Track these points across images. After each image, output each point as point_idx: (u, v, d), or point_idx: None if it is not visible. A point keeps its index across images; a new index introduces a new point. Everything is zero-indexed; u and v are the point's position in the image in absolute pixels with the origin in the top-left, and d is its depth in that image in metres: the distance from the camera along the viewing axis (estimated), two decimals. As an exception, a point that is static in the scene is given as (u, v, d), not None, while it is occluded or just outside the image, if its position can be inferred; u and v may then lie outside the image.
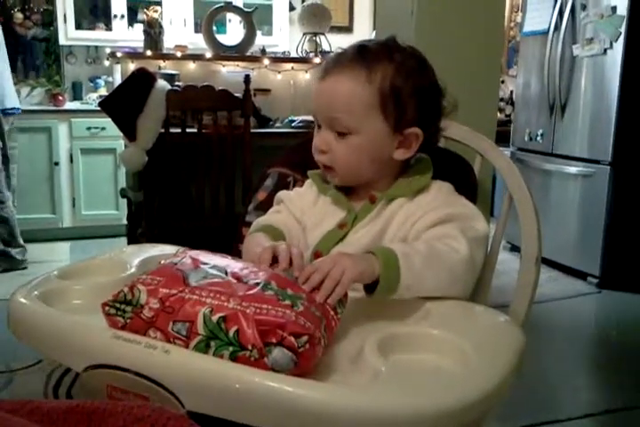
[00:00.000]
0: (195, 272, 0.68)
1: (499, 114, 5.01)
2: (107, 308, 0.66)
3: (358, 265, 0.76)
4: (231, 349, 0.60)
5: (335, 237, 0.93)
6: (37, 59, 4.42)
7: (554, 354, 2.38)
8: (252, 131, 2.77)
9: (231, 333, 0.60)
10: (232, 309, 0.62)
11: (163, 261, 0.72)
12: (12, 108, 3.41)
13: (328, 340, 0.66)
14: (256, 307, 0.62)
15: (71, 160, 3.96)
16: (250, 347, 0.60)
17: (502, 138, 3.91)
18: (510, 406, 1.78)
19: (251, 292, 0.65)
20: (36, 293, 0.75)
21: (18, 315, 0.72)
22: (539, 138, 3.60)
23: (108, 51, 3.83)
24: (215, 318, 0.61)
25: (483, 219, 0.92)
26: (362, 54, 0.91)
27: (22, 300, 0.73)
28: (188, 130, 2.58)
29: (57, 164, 3.93)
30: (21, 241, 3.32)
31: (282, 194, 1.05)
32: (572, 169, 3.34)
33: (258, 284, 0.67)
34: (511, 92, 5.00)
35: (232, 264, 0.72)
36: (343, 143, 0.91)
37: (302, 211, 1.00)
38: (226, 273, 0.69)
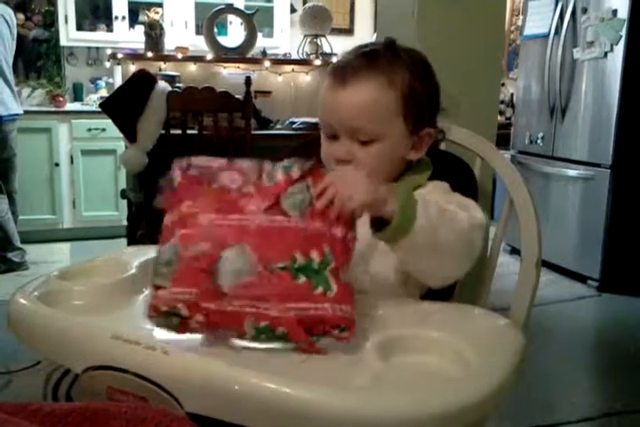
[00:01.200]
0: (220, 265, 0.67)
1: (499, 117, 5.02)
2: (154, 319, 0.67)
3: (374, 192, 0.74)
4: (282, 341, 0.66)
5: None
6: (38, 60, 4.43)
7: (553, 357, 2.38)
8: (253, 132, 2.77)
9: (278, 333, 0.65)
10: (274, 317, 0.65)
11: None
12: (14, 114, 3.41)
13: (349, 259, 0.70)
14: (295, 309, 0.65)
15: (71, 161, 3.96)
16: (299, 342, 0.66)
17: (503, 141, 3.92)
18: (509, 408, 1.78)
19: (284, 286, 0.67)
20: (35, 294, 0.75)
21: (18, 316, 0.72)
22: (539, 141, 3.60)
23: (108, 52, 3.84)
24: (261, 324, 0.65)
25: (480, 210, 0.90)
26: (374, 60, 0.90)
27: (22, 301, 0.73)
28: (188, 131, 2.58)
29: (57, 165, 3.93)
30: (18, 244, 3.30)
31: None
32: (573, 172, 3.34)
33: (286, 268, 0.67)
34: (512, 94, 5.01)
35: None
36: (367, 151, 0.90)
37: None
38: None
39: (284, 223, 0.68)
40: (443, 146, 1.22)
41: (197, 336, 0.67)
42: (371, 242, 0.85)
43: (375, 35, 2.90)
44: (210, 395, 0.59)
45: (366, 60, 0.90)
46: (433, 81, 0.95)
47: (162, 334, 0.67)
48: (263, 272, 0.67)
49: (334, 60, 3.39)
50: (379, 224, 0.76)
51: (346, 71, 0.89)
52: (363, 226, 0.90)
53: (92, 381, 0.64)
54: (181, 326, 0.66)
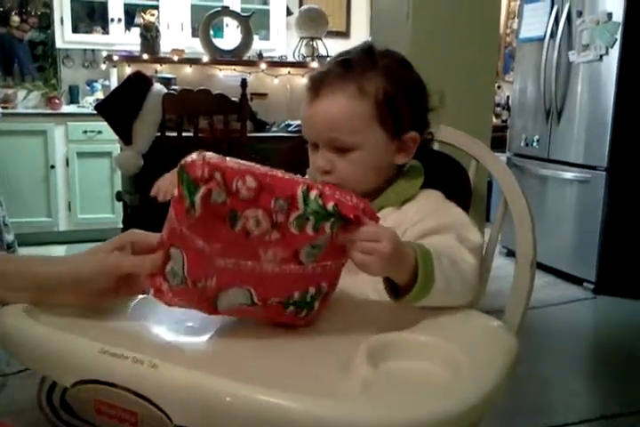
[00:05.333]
0: (222, 296, 0.70)
1: (495, 119, 5.03)
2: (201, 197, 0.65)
3: (397, 261, 0.73)
4: (332, 219, 0.66)
5: None
6: (34, 62, 4.42)
7: (549, 359, 2.38)
8: (249, 135, 2.77)
9: (330, 207, 0.66)
10: (323, 189, 0.67)
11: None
12: None
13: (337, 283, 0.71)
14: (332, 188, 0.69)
15: (67, 163, 3.95)
16: (352, 217, 0.67)
17: (499, 143, 3.93)
18: (506, 411, 1.77)
19: (273, 311, 0.72)
20: (22, 306, 0.73)
21: (4, 330, 0.71)
22: (535, 143, 3.61)
23: (104, 54, 3.83)
24: (312, 195, 0.66)
25: (475, 228, 0.90)
26: (347, 69, 0.90)
27: (8, 314, 0.72)
28: (184, 134, 2.58)
29: (53, 167, 3.92)
30: (5, 246, 3.27)
31: None
32: (568, 175, 3.35)
33: (281, 302, 0.71)
34: (507, 97, 5.02)
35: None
36: (346, 160, 0.90)
37: None
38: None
39: (295, 270, 0.69)
40: (437, 147, 1.22)
41: (185, 348, 0.68)
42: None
43: (370, 38, 2.90)
44: (199, 408, 0.58)
45: (339, 70, 0.90)
46: (414, 82, 0.94)
47: (150, 347, 0.66)
48: (259, 303, 0.70)
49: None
50: (392, 288, 0.78)
51: (321, 83, 0.90)
52: None
53: (80, 395, 0.64)
54: (225, 202, 0.65)
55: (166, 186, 0.90)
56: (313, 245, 0.68)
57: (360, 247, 0.70)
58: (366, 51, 0.93)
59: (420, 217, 0.91)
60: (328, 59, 3.73)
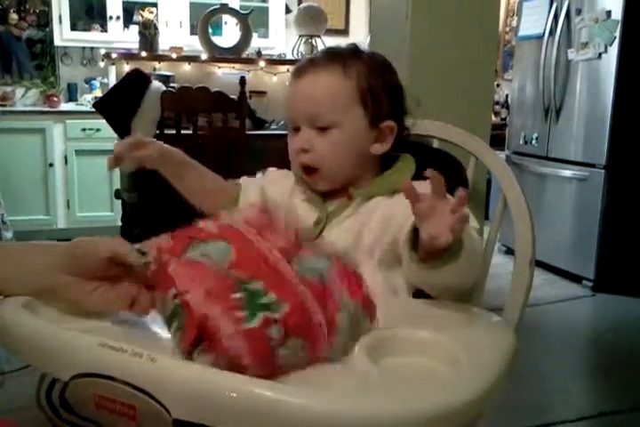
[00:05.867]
0: (201, 246, 0.69)
1: (494, 117, 5.03)
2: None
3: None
4: (177, 334, 0.64)
5: (311, 233, 0.92)
6: (32, 60, 4.41)
7: (548, 357, 2.38)
8: (248, 133, 2.77)
9: (180, 322, 0.64)
10: (187, 301, 0.63)
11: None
12: None
13: (306, 357, 0.64)
14: (222, 305, 0.62)
15: (66, 161, 3.95)
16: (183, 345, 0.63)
17: (498, 141, 3.93)
18: (504, 409, 1.77)
19: (224, 286, 0.64)
20: (21, 301, 0.74)
21: (3, 324, 0.71)
22: (534, 141, 3.61)
23: (103, 52, 3.83)
24: (176, 301, 0.64)
25: (472, 216, 0.91)
26: (333, 55, 0.94)
27: (7, 309, 0.72)
28: (182, 131, 2.57)
29: (51, 165, 3.92)
30: None
31: (269, 169, 1.08)
32: (567, 173, 3.35)
33: (239, 280, 0.65)
34: (507, 95, 5.01)
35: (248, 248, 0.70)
36: (325, 139, 0.92)
37: (275, 191, 1.02)
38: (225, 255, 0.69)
39: None
40: (436, 144, 1.22)
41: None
42: (344, 242, 0.88)
43: (369, 36, 2.90)
44: (198, 401, 0.58)
45: (326, 55, 0.95)
46: (393, 81, 0.98)
47: (149, 340, 0.66)
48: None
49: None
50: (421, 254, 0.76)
51: (304, 67, 0.94)
52: (335, 226, 0.91)
53: (79, 388, 0.64)
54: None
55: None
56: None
57: (459, 216, 0.68)
58: (352, 48, 0.97)
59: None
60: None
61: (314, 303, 0.65)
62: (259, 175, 1.08)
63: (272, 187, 1.03)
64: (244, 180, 1.06)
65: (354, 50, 0.96)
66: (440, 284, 0.81)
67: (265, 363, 0.62)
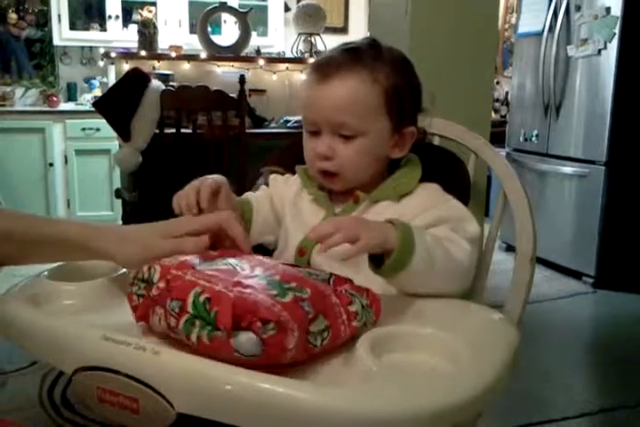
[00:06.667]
0: (210, 262, 0.71)
1: (494, 115, 5.03)
2: (129, 287, 0.68)
3: (377, 233, 0.75)
4: (208, 328, 0.61)
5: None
6: (32, 60, 4.41)
7: (549, 353, 2.39)
8: (248, 131, 2.76)
9: (212, 313, 0.61)
10: (218, 291, 0.62)
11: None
12: None
13: (327, 344, 0.64)
14: (240, 291, 0.62)
15: (66, 161, 3.95)
16: (221, 327, 0.60)
17: (498, 139, 3.92)
18: (505, 405, 1.78)
19: (244, 279, 0.65)
20: (25, 295, 0.74)
21: (8, 318, 0.72)
22: (534, 138, 3.61)
23: (102, 51, 3.83)
24: (202, 298, 0.62)
25: (473, 219, 0.91)
26: (358, 55, 0.89)
27: (12, 302, 0.73)
28: (182, 130, 2.57)
29: (52, 165, 3.92)
30: None
31: (272, 177, 1.06)
32: (567, 169, 3.35)
33: (259, 275, 0.67)
34: (506, 92, 5.01)
35: (255, 260, 0.73)
36: (349, 147, 0.89)
37: (282, 197, 1.01)
38: (238, 265, 0.71)
39: None
40: (437, 141, 1.22)
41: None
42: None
43: (368, 33, 2.90)
44: (201, 395, 0.58)
45: (349, 55, 0.89)
46: (415, 80, 0.95)
47: (153, 334, 0.66)
48: (239, 270, 0.69)
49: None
50: (376, 260, 0.78)
51: (329, 67, 0.89)
52: None
53: (82, 382, 0.64)
54: (143, 297, 0.66)
55: (188, 201, 0.88)
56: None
57: (336, 239, 0.72)
58: (371, 44, 0.92)
59: (421, 210, 0.91)
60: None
61: (329, 291, 0.67)
62: (262, 187, 1.05)
63: (278, 193, 1.02)
64: (253, 197, 1.02)
65: (374, 47, 0.92)
66: (410, 291, 0.82)
67: (303, 333, 0.62)
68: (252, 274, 0.68)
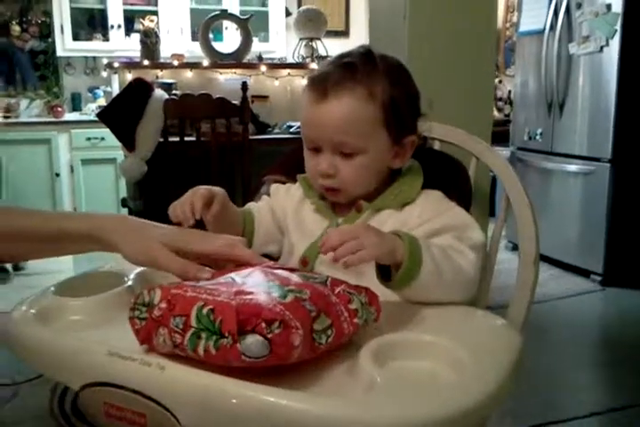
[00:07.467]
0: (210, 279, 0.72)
1: (498, 114, 5.02)
2: (130, 311, 0.68)
3: (383, 243, 0.76)
4: (214, 338, 0.61)
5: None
6: (36, 71, 4.45)
7: (558, 353, 2.38)
8: (251, 137, 2.77)
9: (217, 323, 0.61)
10: (220, 301, 0.63)
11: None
12: None
13: (332, 341, 0.65)
14: (242, 298, 0.63)
15: (72, 171, 3.97)
16: (227, 334, 0.60)
17: (502, 137, 3.92)
18: (514, 405, 1.77)
19: (244, 287, 0.66)
20: (32, 311, 0.75)
21: (15, 335, 0.72)
22: (538, 137, 3.60)
23: (105, 61, 3.85)
24: (205, 310, 0.62)
25: (477, 227, 0.91)
26: (352, 71, 0.89)
27: (18, 319, 0.74)
28: (186, 138, 2.59)
29: (58, 175, 3.95)
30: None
31: (273, 187, 1.07)
32: (572, 167, 3.34)
33: (258, 282, 0.68)
34: (509, 91, 5.00)
35: (253, 268, 0.74)
36: (350, 164, 0.90)
37: (284, 207, 1.01)
38: (237, 277, 0.72)
39: None
40: (437, 146, 1.22)
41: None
42: None
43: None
44: (207, 409, 0.59)
45: (344, 72, 0.89)
46: (412, 88, 0.95)
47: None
48: (239, 281, 0.70)
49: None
50: (384, 272, 0.79)
51: (325, 85, 0.88)
52: None
53: (90, 397, 0.64)
54: (146, 320, 0.67)
55: (183, 211, 0.89)
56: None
57: (344, 250, 0.73)
58: (365, 54, 0.92)
59: (424, 219, 0.91)
60: (327, 59, 3.75)
61: (328, 291, 0.69)
62: (264, 197, 1.06)
63: (280, 204, 1.02)
64: (255, 208, 1.03)
65: (369, 58, 0.91)
66: (416, 301, 0.83)
67: (308, 331, 0.62)
68: (251, 281, 0.69)
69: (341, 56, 0.93)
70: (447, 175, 1.07)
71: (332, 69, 0.90)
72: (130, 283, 0.85)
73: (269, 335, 0.59)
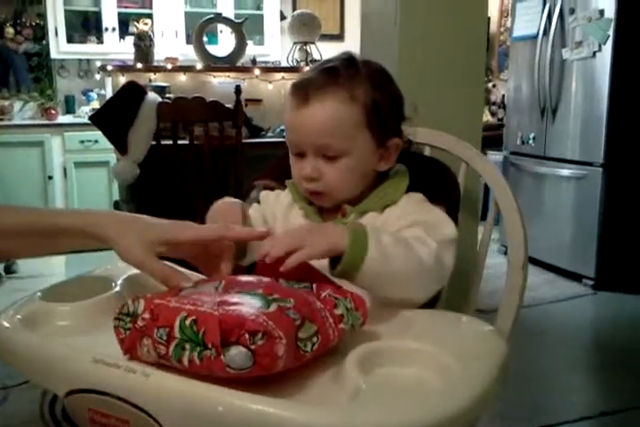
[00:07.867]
0: (194, 288, 0.72)
1: (491, 118, 5.04)
2: (115, 320, 0.68)
3: (322, 240, 0.76)
4: (198, 349, 0.61)
5: None
6: (30, 73, 4.44)
7: (549, 356, 2.39)
8: (244, 141, 2.77)
9: (200, 334, 0.61)
10: (203, 312, 0.63)
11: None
12: None
13: (318, 348, 0.65)
14: (225, 309, 0.63)
15: (65, 174, 3.96)
16: (210, 346, 0.60)
17: (495, 142, 3.93)
18: (504, 409, 1.78)
19: (228, 297, 0.66)
20: (19, 316, 0.75)
21: (1, 340, 0.72)
22: (531, 141, 3.61)
23: (99, 64, 3.85)
24: (188, 321, 0.62)
25: (450, 224, 0.90)
26: (334, 75, 0.90)
27: (5, 324, 0.73)
28: (179, 142, 2.58)
29: (51, 178, 3.94)
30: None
31: (263, 194, 1.07)
32: (565, 171, 3.36)
33: (242, 292, 0.68)
34: (503, 96, 5.02)
35: (237, 279, 0.74)
36: (334, 167, 0.90)
37: (274, 213, 1.02)
38: (220, 286, 0.72)
39: None
40: (428, 151, 1.23)
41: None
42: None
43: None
44: (192, 417, 0.58)
45: (326, 76, 0.90)
46: (394, 92, 0.96)
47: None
48: (221, 291, 0.70)
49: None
50: (333, 262, 0.79)
51: (307, 89, 0.89)
52: None
53: (75, 404, 0.64)
54: (130, 330, 0.66)
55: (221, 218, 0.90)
56: None
57: (280, 249, 0.73)
58: (348, 59, 0.93)
59: (399, 219, 0.91)
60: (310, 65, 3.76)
61: (313, 298, 0.69)
62: (254, 205, 1.05)
63: (270, 210, 1.03)
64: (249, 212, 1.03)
65: (351, 63, 0.92)
66: (378, 293, 0.82)
67: (292, 340, 0.62)
68: (234, 292, 0.69)
69: (324, 62, 0.95)
70: (436, 181, 1.07)
71: (315, 75, 0.92)
72: (117, 289, 0.85)
73: (253, 347, 0.59)
